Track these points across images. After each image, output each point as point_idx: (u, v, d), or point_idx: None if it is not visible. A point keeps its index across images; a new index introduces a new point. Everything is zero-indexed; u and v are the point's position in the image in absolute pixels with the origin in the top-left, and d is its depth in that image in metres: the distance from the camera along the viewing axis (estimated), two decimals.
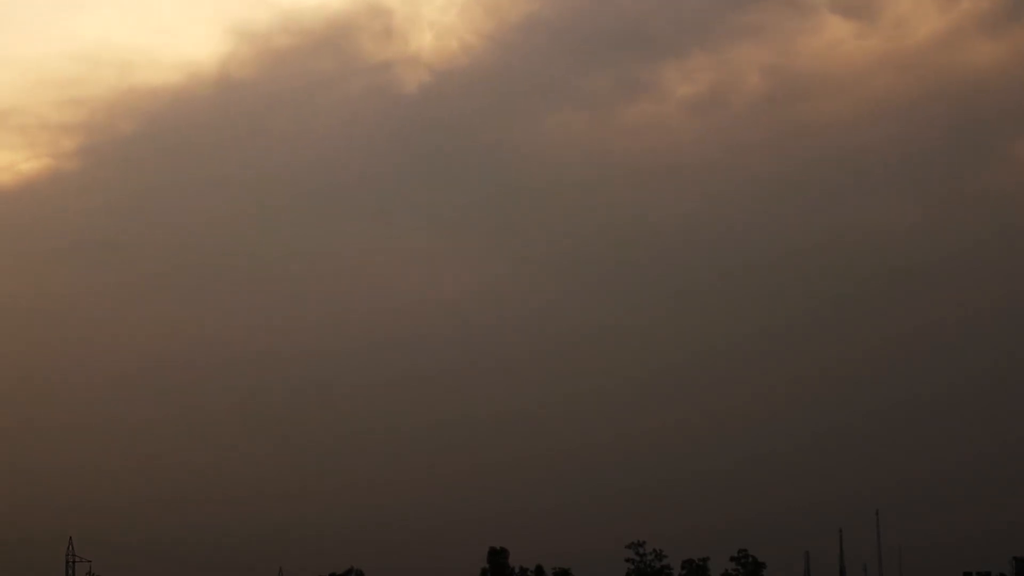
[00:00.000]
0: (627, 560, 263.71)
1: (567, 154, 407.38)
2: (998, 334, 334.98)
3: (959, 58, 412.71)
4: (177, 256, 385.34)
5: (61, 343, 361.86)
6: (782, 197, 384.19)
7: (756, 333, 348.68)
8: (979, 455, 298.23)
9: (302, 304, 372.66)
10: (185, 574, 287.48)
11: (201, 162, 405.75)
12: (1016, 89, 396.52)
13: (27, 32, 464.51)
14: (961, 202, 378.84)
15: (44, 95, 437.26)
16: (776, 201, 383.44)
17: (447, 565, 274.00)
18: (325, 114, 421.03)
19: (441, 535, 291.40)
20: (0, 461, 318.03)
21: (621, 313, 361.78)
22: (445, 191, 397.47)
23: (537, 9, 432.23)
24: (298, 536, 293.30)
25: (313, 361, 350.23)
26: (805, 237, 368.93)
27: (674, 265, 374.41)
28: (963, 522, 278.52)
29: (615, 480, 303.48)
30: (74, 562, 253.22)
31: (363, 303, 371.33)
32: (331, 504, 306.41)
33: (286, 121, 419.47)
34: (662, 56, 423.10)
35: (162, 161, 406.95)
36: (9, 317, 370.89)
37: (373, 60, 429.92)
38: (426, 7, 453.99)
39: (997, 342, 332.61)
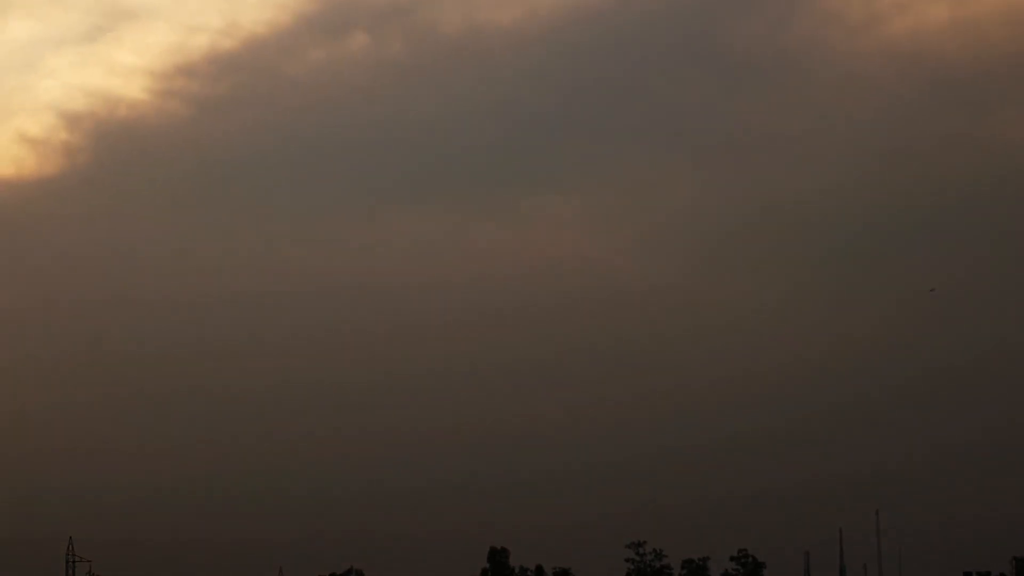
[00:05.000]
0: (627, 560, 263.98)
1: None
2: (996, 331, 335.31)
3: None
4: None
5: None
6: None
7: (752, 332, 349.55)
8: (979, 455, 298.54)
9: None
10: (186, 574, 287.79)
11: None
12: None
13: None
14: None
15: None
16: None
17: (448, 565, 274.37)
18: None
19: (442, 535, 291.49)
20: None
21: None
22: None
23: None
24: (299, 536, 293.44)
25: (314, 359, 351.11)
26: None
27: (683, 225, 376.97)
28: (963, 522, 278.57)
29: (615, 480, 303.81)
30: (74, 562, 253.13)
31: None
32: (331, 504, 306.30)
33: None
34: None
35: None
36: None
37: None
38: None
39: (997, 340, 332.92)
